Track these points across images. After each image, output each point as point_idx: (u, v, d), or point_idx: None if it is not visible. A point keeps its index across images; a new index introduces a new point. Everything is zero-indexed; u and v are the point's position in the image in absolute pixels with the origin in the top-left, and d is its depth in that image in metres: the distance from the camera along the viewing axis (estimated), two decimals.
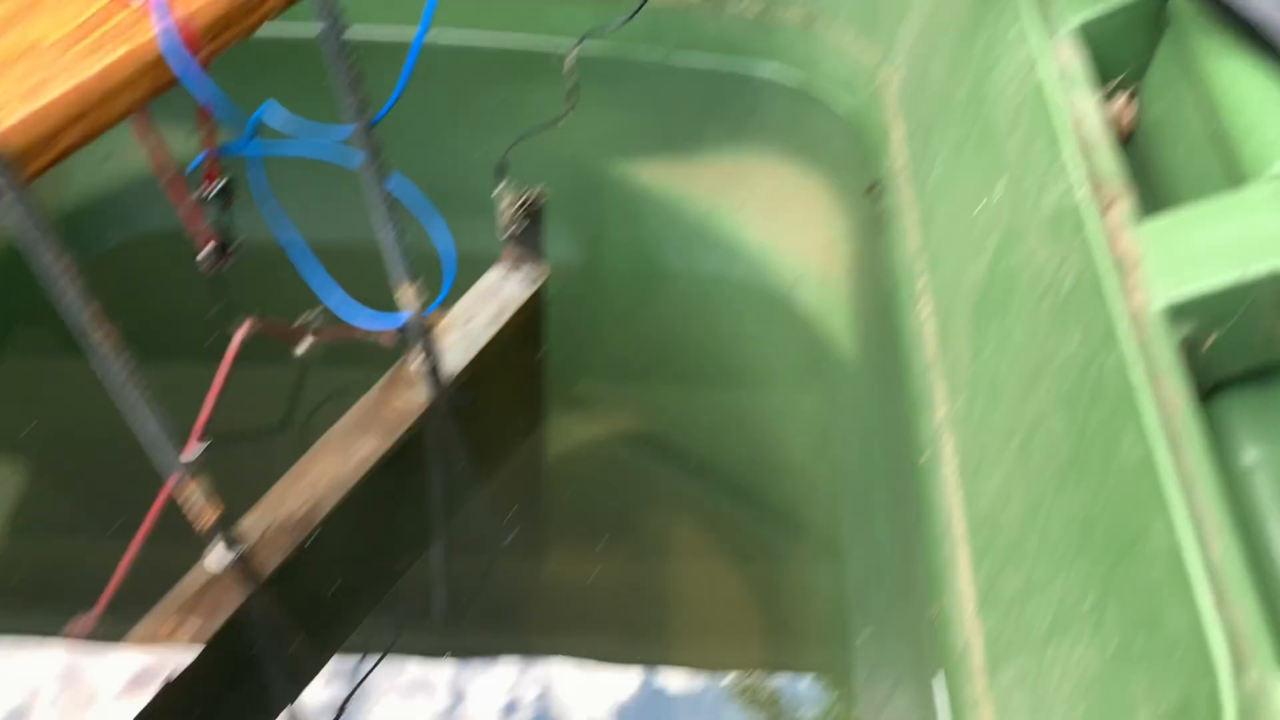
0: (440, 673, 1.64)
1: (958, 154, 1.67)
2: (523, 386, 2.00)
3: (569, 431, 2.00)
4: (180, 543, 1.48)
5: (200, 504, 1.17)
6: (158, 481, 1.20)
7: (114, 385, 0.99)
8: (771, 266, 2.03)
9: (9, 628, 1.55)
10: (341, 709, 1.62)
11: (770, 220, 2.13)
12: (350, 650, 1.65)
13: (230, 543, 1.29)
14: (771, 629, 1.73)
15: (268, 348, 1.44)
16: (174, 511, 1.27)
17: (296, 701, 1.62)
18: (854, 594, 1.70)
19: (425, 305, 1.39)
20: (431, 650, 1.65)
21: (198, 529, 1.24)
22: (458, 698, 1.61)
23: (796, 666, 1.66)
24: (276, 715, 1.61)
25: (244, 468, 1.67)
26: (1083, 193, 1.20)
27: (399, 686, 1.62)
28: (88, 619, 1.45)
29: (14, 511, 1.75)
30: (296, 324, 1.51)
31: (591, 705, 1.60)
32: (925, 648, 1.54)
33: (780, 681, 1.64)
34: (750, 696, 1.63)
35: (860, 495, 1.77)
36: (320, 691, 1.63)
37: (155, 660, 1.32)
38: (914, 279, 1.76)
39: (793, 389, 2.00)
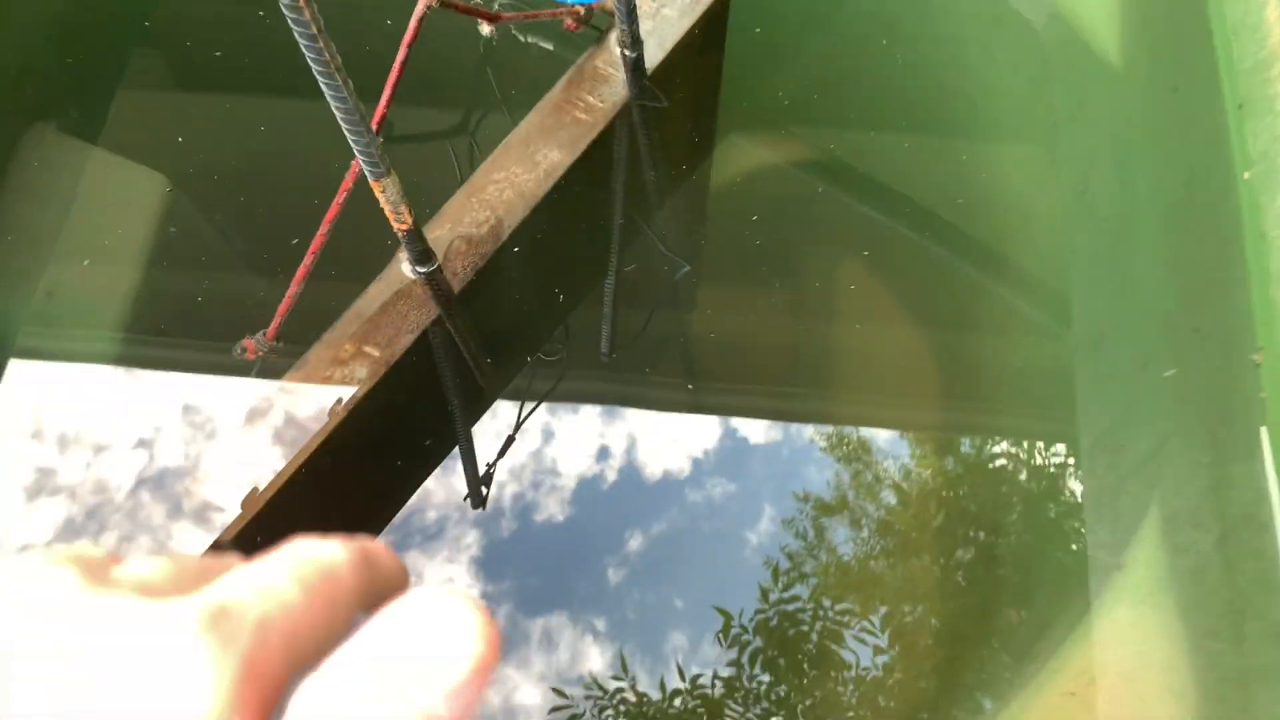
0: (602, 414, 1.52)
1: None
2: (699, 95, 1.76)
3: (740, 154, 1.77)
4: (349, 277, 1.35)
5: (396, 200, 1.01)
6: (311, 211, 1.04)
7: (305, 43, 0.80)
8: None
9: (168, 358, 1.47)
10: (508, 442, 1.52)
11: None
12: (518, 381, 1.53)
13: (420, 257, 1.14)
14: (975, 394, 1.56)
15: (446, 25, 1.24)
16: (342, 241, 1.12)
17: (471, 429, 1.53)
18: (1087, 357, 1.50)
19: None
20: (595, 392, 1.53)
21: (396, 229, 1.08)
22: (618, 438, 1.50)
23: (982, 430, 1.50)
24: (451, 443, 1.52)
25: (425, 164, 1.51)
26: None
27: (562, 426, 1.51)
28: (262, 337, 1.35)
29: (162, 238, 1.63)
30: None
31: (749, 453, 1.48)
32: (1228, 401, 1.30)
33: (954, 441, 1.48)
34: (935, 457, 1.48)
35: (1118, 238, 1.49)
36: (489, 423, 1.53)
37: (333, 387, 1.21)
38: None
39: (1022, 99, 1.72)
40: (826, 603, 1.39)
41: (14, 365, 1.50)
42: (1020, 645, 1.37)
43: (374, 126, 1.09)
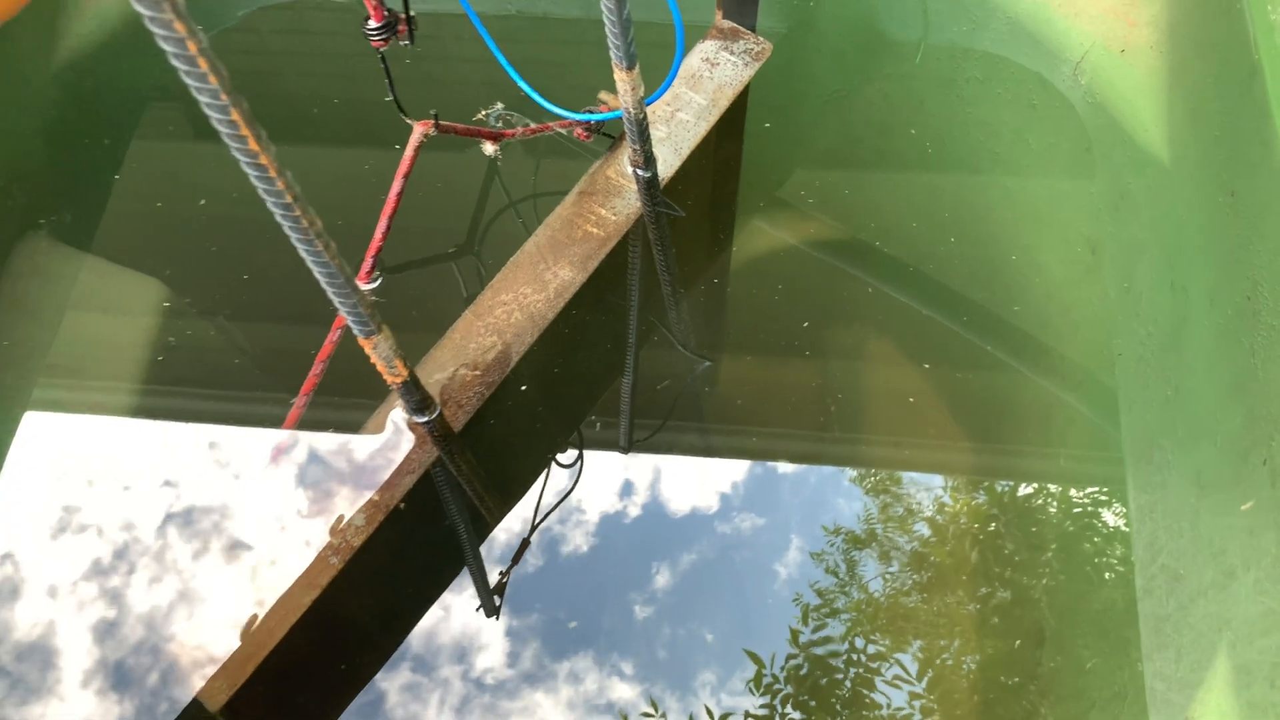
0: (625, 500, 1.43)
1: None
2: (718, 188, 1.68)
3: (760, 239, 1.68)
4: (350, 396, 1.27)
5: (389, 355, 0.92)
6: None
7: (279, 210, 0.72)
8: (1043, 34, 1.59)
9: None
10: (522, 547, 1.43)
11: None
12: (530, 487, 1.44)
13: (418, 406, 1.05)
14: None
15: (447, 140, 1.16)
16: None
17: (479, 545, 1.44)
18: (1140, 468, 1.39)
19: (643, 96, 1.06)
20: (618, 480, 1.44)
21: (389, 383, 0.99)
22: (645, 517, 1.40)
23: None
24: (460, 562, 1.44)
25: (427, 281, 1.42)
26: None
27: (585, 522, 1.42)
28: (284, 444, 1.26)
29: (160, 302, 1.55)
30: (475, 121, 1.21)
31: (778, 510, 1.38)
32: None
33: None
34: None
35: (1168, 345, 1.38)
36: (501, 533, 1.44)
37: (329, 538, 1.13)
38: None
39: (1060, 187, 1.63)
40: None
41: None
42: None
43: (369, 260, 1.01)
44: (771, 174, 1.70)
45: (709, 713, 1.25)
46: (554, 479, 1.45)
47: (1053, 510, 1.47)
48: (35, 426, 1.48)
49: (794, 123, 1.73)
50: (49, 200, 1.64)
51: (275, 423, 1.34)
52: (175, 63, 0.62)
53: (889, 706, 1.28)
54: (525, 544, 1.43)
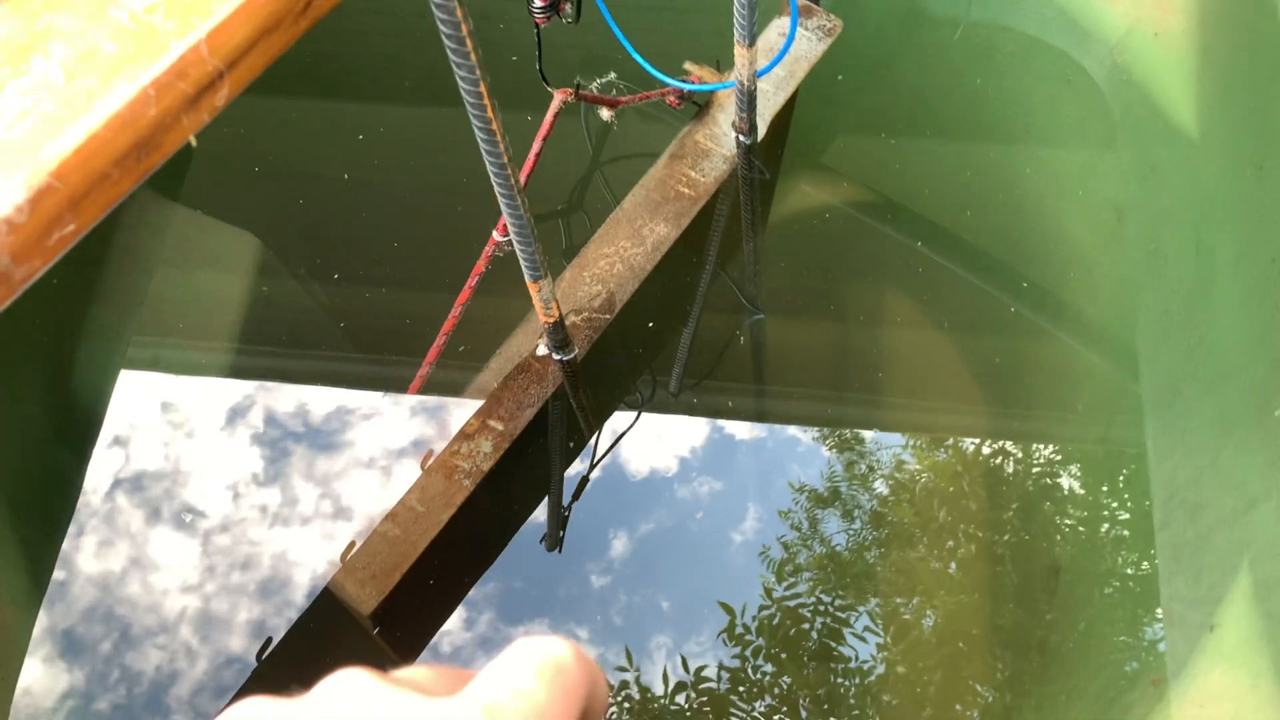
0: (675, 438, 1.56)
1: None
2: (771, 150, 1.80)
3: (799, 198, 1.82)
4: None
5: (549, 298, 1.05)
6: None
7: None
8: (1080, 15, 1.73)
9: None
10: (582, 484, 1.57)
11: None
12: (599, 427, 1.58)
13: (560, 345, 1.18)
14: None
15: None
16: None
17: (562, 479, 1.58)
18: (1160, 411, 1.55)
19: (756, 69, 1.19)
20: (665, 422, 1.58)
21: (542, 322, 1.12)
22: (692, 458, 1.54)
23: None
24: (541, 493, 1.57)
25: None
26: None
27: (641, 452, 1.55)
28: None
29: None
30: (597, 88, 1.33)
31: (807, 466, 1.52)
32: None
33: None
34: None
35: (1194, 301, 1.53)
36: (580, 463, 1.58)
37: (460, 461, 1.26)
38: None
39: (1089, 159, 1.77)
40: None
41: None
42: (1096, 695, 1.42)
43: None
44: (813, 139, 1.83)
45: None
46: (619, 419, 1.59)
47: (1072, 455, 1.63)
48: (135, 372, 1.60)
49: (835, 91, 1.86)
50: None
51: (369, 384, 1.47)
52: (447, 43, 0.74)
53: (960, 636, 1.44)
54: (585, 480, 1.57)
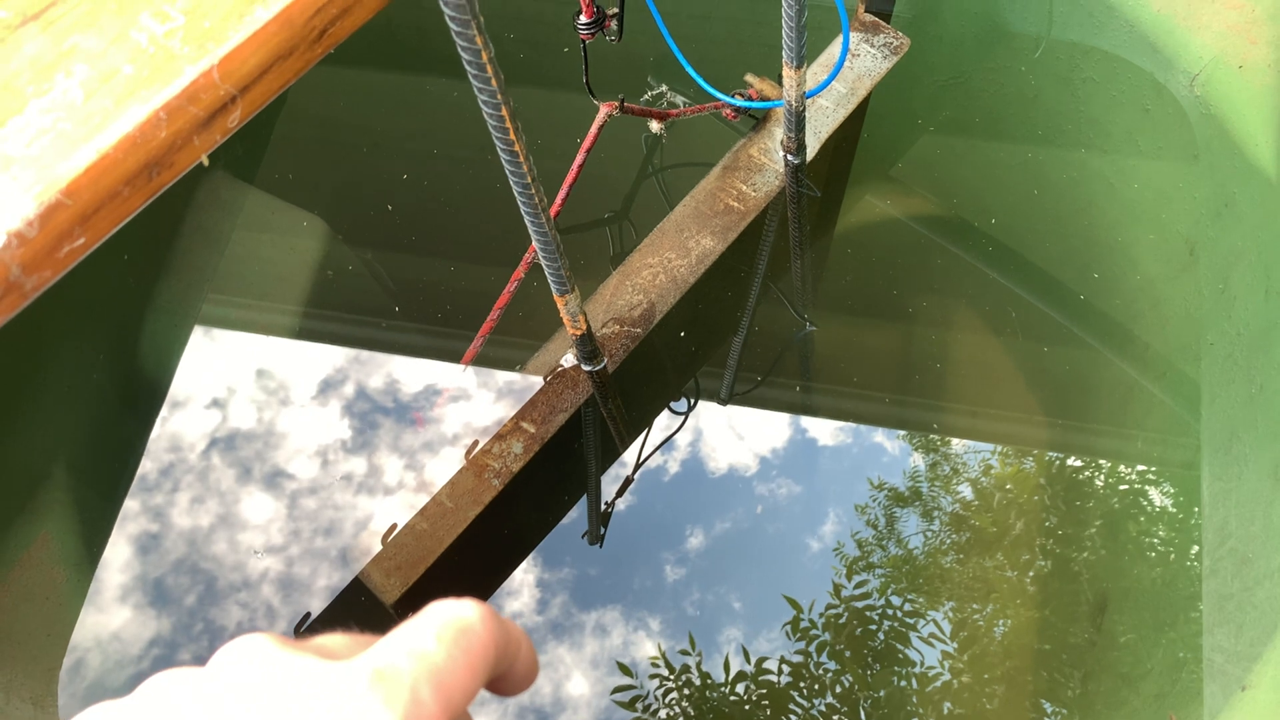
0: (723, 448, 1.56)
1: None
2: (835, 164, 1.79)
3: (866, 210, 1.80)
4: None
5: (575, 311, 1.07)
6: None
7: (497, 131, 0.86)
8: (1163, 43, 1.68)
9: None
10: (626, 483, 1.58)
11: None
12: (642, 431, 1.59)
13: (589, 356, 1.20)
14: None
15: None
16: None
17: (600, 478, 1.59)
18: (1216, 455, 1.50)
19: (804, 91, 1.18)
20: (714, 427, 1.58)
21: (570, 334, 1.14)
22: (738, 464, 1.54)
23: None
24: (579, 490, 1.59)
25: (577, 244, 1.57)
26: None
27: (687, 460, 1.56)
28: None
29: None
30: (644, 101, 1.34)
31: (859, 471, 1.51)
32: None
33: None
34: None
35: (1257, 346, 1.48)
36: (619, 469, 1.59)
37: (490, 460, 1.28)
38: None
39: (1164, 189, 1.72)
40: None
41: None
42: None
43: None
44: (883, 153, 1.81)
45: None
46: (663, 424, 1.60)
47: (1124, 489, 1.59)
48: (200, 343, 1.66)
49: (908, 106, 1.83)
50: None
51: (427, 353, 1.51)
52: (468, 67, 0.75)
53: (998, 631, 1.42)
54: (629, 480, 1.58)
